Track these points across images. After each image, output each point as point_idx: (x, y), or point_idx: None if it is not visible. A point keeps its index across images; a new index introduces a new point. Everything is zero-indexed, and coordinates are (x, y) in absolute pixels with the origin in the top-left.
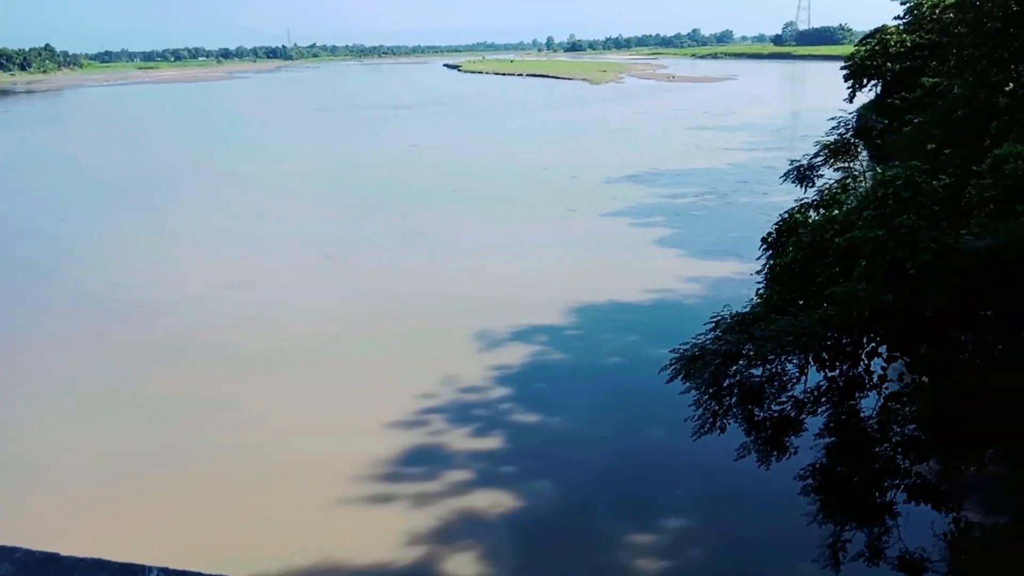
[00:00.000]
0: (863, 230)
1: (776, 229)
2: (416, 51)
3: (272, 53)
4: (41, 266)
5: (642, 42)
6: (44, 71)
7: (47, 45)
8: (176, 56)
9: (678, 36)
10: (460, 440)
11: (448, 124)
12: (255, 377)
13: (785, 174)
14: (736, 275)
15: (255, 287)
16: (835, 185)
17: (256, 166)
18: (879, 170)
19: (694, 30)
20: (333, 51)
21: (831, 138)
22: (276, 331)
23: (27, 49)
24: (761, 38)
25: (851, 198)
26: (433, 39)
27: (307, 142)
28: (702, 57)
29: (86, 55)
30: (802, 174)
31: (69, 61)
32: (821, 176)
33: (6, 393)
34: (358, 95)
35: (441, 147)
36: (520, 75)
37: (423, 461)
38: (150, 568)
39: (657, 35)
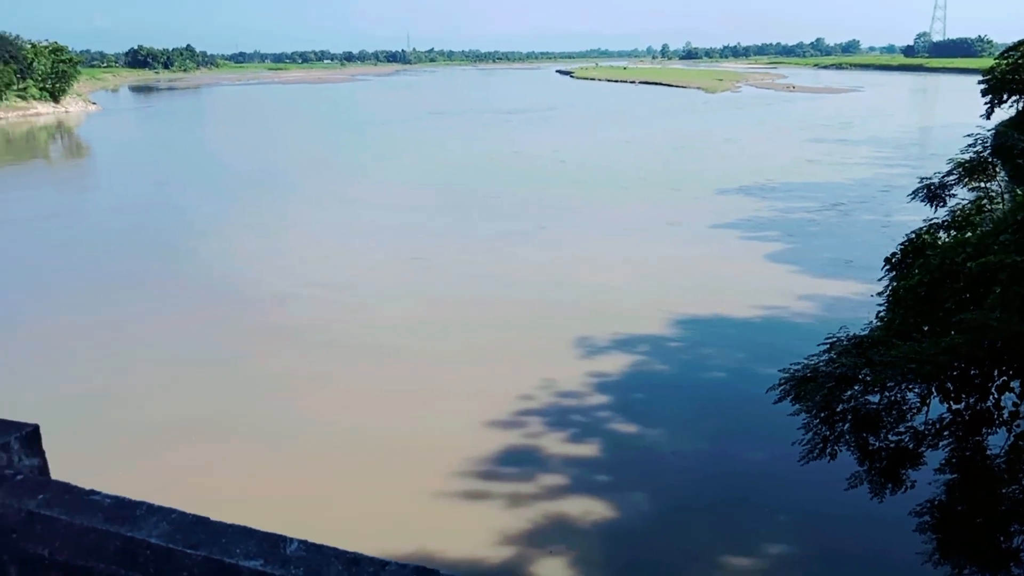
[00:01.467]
0: (999, 255)
1: (901, 249)
2: (530, 57)
3: (392, 57)
4: (172, 247)
5: (761, 51)
6: (184, 70)
7: (188, 46)
8: (303, 58)
9: (800, 45)
10: (556, 444)
11: (555, 131)
12: (356, 367)
13: (914, 192)
14: (854, 296)
15: (354, 280)
16: (969, 206)
17: (368, 165)
18: (1019, 192)
19: (817, 39)
20: (450, 56)
21: (966, 156)
22: (376, 323)
23: (170, 49)
24: (890, 49)
25: (986, 221)
26: (547, 45)
27: (417, 144)
28: (825, 67)
29: (222, 56)
30: (933, 193)
31: (207, 61)
32: (953, 196)
33: (130, 362)
34: (471, 99)
35: (545, 153)
36: (633, 82)
37: (518, 462)
38: (291, 539)
39: (778, 44)
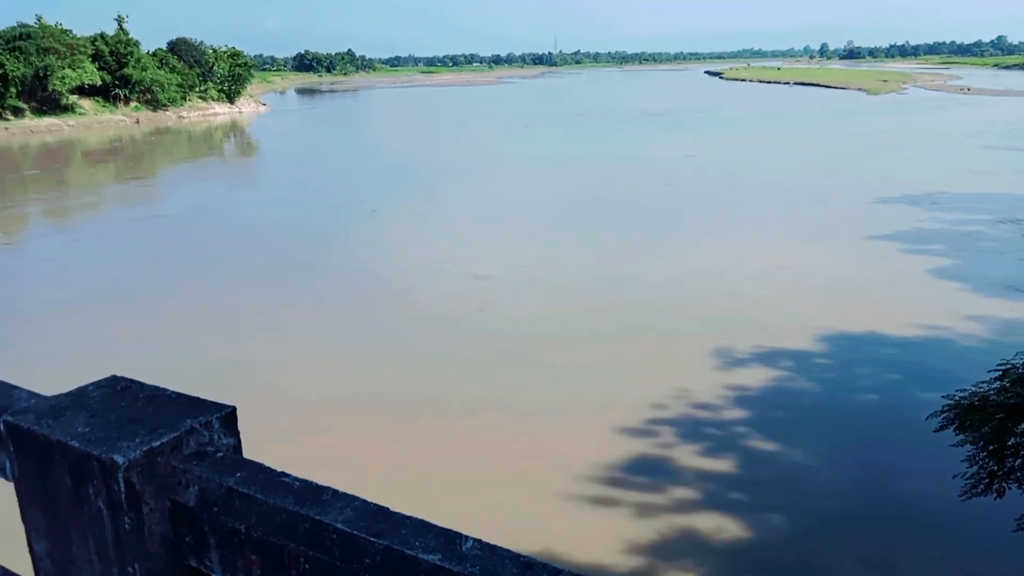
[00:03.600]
0: None
1: None
2: (678, 58)
3: (538, 60)
4: (324, 237)
5: (933, 50)
6: (345, 73)
7: (349, 50)
8: (454, 62)
9: (978, 44)
10: (688, 457)
11: (696, 134)
12: (486, 369)
13: None
14: None
15: (472, 290)
16: None
17: (509, 167)
18: None
19: (999, 37)
20: (596, 58)
21: None
22: (502, 331)
23: (333, 54)
24: None
25: None
26: (695, 46)
27: (558, 146)
28: (1008, 67)
29: (379, 59)
30: None
31: (365, 65)
32: None
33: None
34: (615, 101)
35: (685, 158)
36: (787, 83)
37: (649, 471)
38: (466, 537)
39: (952, 42)
